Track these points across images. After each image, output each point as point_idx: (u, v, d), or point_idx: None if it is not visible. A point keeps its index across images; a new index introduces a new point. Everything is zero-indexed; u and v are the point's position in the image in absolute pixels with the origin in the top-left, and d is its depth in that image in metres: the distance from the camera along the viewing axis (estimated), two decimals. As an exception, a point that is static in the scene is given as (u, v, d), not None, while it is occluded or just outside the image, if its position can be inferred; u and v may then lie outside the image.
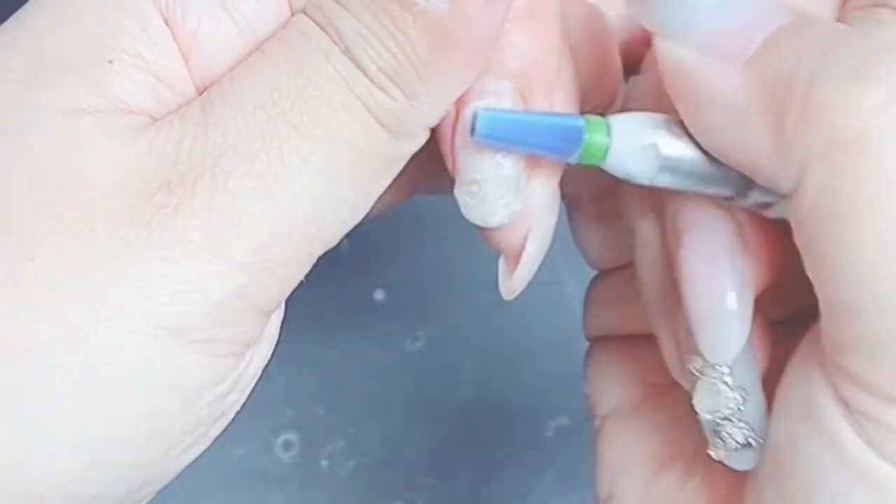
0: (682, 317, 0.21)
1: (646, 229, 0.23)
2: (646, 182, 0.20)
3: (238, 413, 0.21)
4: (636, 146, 0.20)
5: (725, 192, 0.20)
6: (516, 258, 0.23)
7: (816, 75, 0.17)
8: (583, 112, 0.21)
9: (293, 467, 0.39)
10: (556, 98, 0.21)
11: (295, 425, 0.39)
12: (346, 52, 0.19)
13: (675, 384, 0.23)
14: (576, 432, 0.40)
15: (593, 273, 0.27)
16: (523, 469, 0.40)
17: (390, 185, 0.20)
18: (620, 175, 0.20)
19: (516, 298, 0.24)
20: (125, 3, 0.19)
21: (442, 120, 0.20)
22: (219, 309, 0.18)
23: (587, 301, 0.27)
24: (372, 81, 0.19)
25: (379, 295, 0.39)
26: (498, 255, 0.23)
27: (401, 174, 0.20)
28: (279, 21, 0.20)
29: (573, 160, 0.20)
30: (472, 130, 0.20)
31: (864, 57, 0.17)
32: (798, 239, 0.19)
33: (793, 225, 0.19)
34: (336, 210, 0.19)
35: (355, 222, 0.20)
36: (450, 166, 0.21)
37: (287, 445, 0.39)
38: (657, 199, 0.22)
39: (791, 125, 0.18)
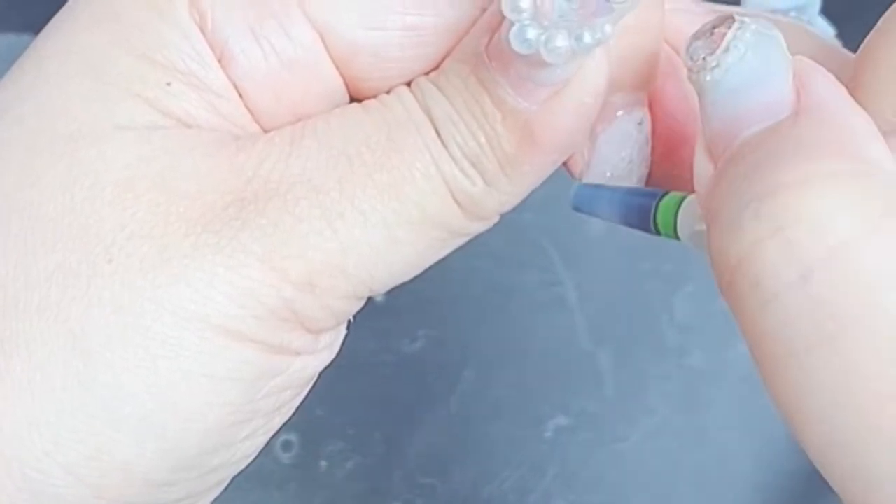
0: None
1: None
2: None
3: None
4: (691, 227, 0.20)
5: None
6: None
7: (717, 213, 0.17)
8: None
9: (292, 468, 0.39)
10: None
11: (294, 426, 0.39)
12: (437, 132, 0.20)
13: None
14: (575, 432, 0.40)
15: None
16: (522, 469, 0.40)
17: None
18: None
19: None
20: (166, 14, 0.20)
21: (576, 131, 0.21)
22: (269, 315, 0.19)
23: None
24: (456, 164, 0.20)
25: (378, 295, 0.39)
26: None
27: None
28: (310, 59, 0.20)
29: (654, 233, 0.21)
30: (571, 199, 0.22)
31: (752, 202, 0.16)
32: None
33: None
34: (390, 264, 0.20)
35: (404, 280, 0.21)
36: (578, 171, 0.22)
37: (286, 446, 0.39)
38: None
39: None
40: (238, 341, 0.19)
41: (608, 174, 0.22)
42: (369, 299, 0.21)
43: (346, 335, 0.22)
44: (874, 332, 0.15)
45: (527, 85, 0.19)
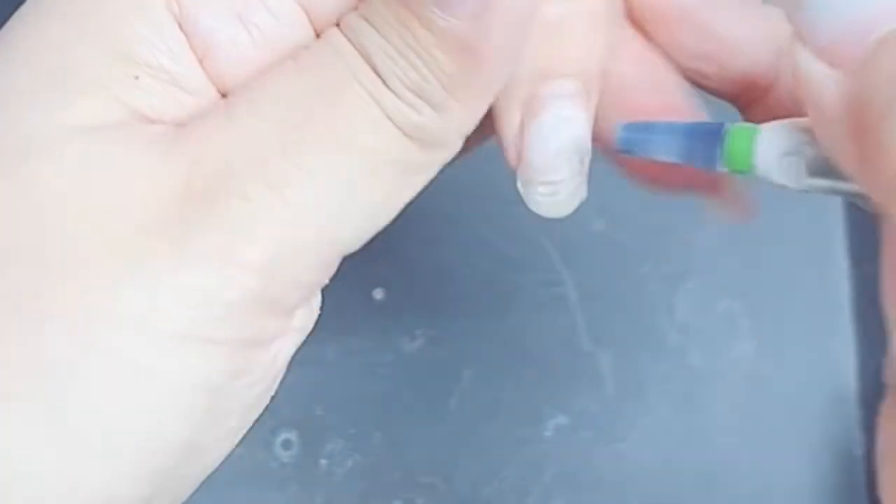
0: None
1: None
2: (799, 188, 0.20)
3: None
4: (778, 155, 0.20)
5: None
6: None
7: (892, 104, 0.16)
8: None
9: (292, 466, 0.39)
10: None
11: (294, 424, 0.39)
12: (375, 70, 0.19)
13: None
14: (575, 432, 0.40)
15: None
16: (522, 469, 0.40)
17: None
18: (773, 184, 0.20)
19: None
20: (140, 8, 0.19)
21: (505, 124, 0.21)
22: (233, 313, 0.19)
23: None
24: (399, 98, 0.19)
25: (378, 294, 0.39)
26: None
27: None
28: (298, 37, 0.20)
29: (719, 168, 0.20)
30: (615, 141, 0.21)
31: None
32: None
33: None
34: (353, 220, 0.19)
35: (379, 228, 0.20)
36: (514, 164, 0.22)
37: (286, 444, 0.39)
38: None
39: (867, 157, 0.17)
40: (204, 345, 0.18)
41: (538, 166, 0.21)
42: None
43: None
44: None
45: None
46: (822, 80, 0.17)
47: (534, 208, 0.22)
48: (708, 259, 0.41)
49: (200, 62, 0.20)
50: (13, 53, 0.20)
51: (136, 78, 0.19)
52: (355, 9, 0.20)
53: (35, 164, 0.19)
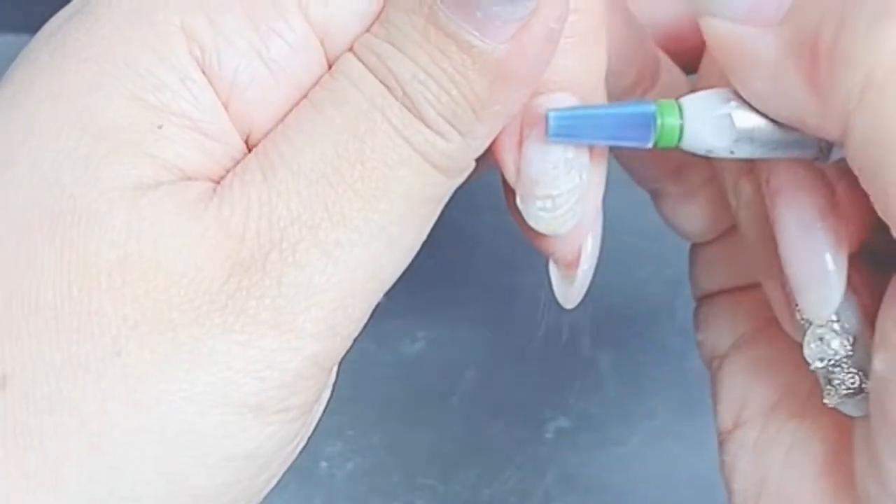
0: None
1: (745, 190, 0.23)
2: (726, 155, 0.21)
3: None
4: (709, 121, 0.20)
5: (809, 153, 0.21)
6: (574, 264, 0.23)
7: (843, 22, 0.17)
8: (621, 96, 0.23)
9: (292, 468, 0.39)
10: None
11: (294, 426, 0.39)
12: (404, 97, 0.19)
13: None
14: (575, 434, 0.40)
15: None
16: (523, 470, 0.40)
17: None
18: (700, 153, 0.21)
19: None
20: (163, 54, 0.19)
21: (503, 139, 0.21)
22: (293, 380, 0.19)
23: (692, 265, 0.27)
24: (429, 127, 0.19)
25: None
26: (550, 262, 0.24)
27: None
28: (313, 67, 0.20)
29: (649, 145, 0.21)
30: (546, 131, 0.21)
31: None
32: (862, 184, 0.18)
33: (854, 172, 0.19)
34: (396, 257, 0.20)
35: (409, 262, 0.20)
36: (512, 180, 0.21)
37: (286, 446, 0.39)
38: (751, 161, 0.22)
39: (825, 77, 0.18)
40: (261, 416, 0.19)
41: (536, 179, 0.21)
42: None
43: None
44: None
45: (495, 24, 0.18)
46: (752, 37, 0.19)
47: (533, 224, 0.22)
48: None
49: (225, 106, 0.19)
50: (39, 105, 0.19)
51: (160, 127, 0.19)
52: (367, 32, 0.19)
53: (74, 232, 0.18)
